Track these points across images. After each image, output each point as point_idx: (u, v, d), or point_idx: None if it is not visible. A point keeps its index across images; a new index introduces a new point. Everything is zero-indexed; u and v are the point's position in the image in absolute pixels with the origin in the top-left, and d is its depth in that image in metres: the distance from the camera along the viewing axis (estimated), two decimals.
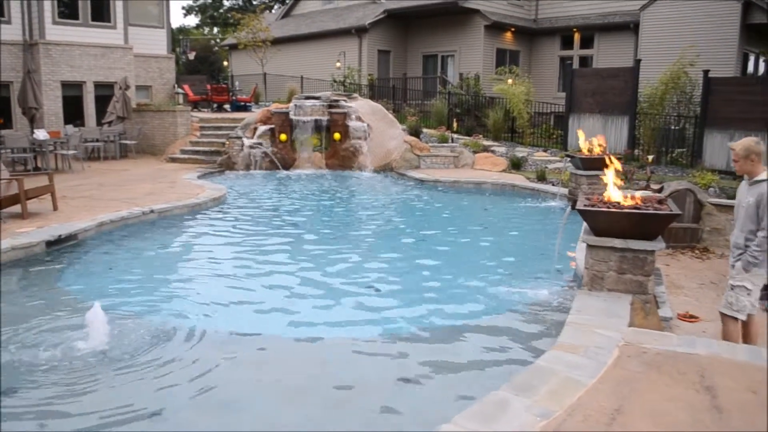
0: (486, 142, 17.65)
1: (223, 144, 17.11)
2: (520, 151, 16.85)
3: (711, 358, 4.14)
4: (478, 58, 25.11)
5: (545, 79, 25.82)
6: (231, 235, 9.43)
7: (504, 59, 25.26)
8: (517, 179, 13.96)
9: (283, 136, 16.83)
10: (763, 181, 5.00)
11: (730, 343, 4.52)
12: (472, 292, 6.77)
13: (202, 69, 40.73)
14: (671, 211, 5.23)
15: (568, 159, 11.68)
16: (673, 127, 16.68)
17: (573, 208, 5.53)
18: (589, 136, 12.01)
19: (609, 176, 5.69)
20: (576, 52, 25.36)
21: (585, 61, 24.99)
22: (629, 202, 5.43)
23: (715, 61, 18.26)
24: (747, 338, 5.26)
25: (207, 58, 44.93)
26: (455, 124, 18.29)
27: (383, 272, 7.50)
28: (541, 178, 13.69)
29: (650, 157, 13.45)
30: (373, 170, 16.03)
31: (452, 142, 17.14)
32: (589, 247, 5.46)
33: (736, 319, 5.13)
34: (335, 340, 5.50)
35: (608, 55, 23.59)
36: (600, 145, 11.43)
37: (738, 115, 14.53)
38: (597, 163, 11.04)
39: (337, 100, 17.75)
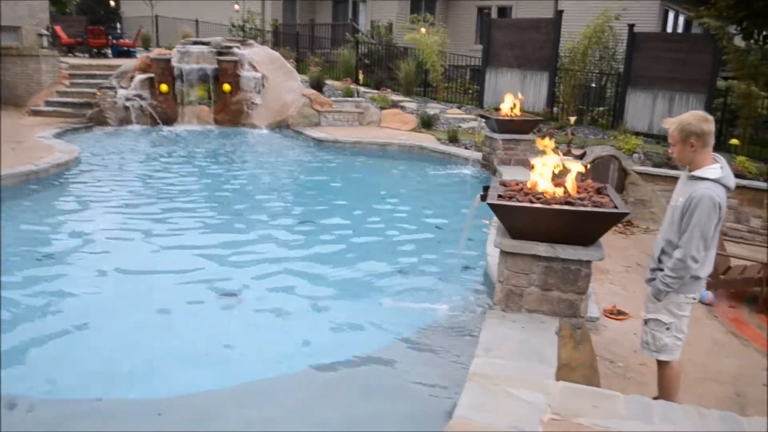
0: (396, 97, 16.00)
1: (95, 95, 14.75)
2: (432, 108, 15.32)
3: None
4: (392, 5, 23.33)
5: (462, 30, 24.31)
6: (70, 217, 7.41)
7: (419, 7, 23.46)
8: (426, 140, 12.43)
9: (164, 87, 14.60)
10: (705, 179, 3.56)
11: (695, 409, 3.16)
12: (340, 315, 4.91)
13: (98, 11, 36.65)
14: (616, 207, 3.78)
15: (483, 120, 10.23)
16: (593, 85, 15.57)
17: (483, 199, 4.02)
18: (506, 93, 10.56)
19: (539, 168, 4.13)
20: (494, 2, 23.90)
21: (504, 11, 23.59)
22: (558, 192, 3.96)
23: (637, 17, 17.18)
24: (661, 385, 4.01)
25: None
26: (361, 76, 16.50)
27: (227, 280, 5.61)
28: (453, 139, 12.23)
29: (572, 119, 12.21)
30: (268, 127, 14.12)
31: (358, 96, 15.40)
32: (504, 254, 3.97)
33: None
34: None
35: (528, 6, 22.24)
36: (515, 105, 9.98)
37: (663, 74, 13.50)
38: (515, 126, 9.66)
39: (229, 47, 15.61)
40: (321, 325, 4.71)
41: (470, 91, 17.84)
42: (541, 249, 3.84)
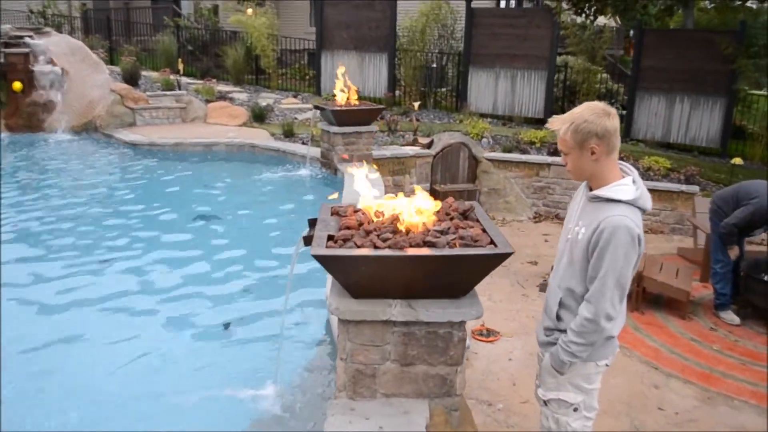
0: (224, 87, 14.33)
1: None
2: (266, 98, 13.84)
3: None
4: None
5: (295, 11, 22.95)
6: None
7: None
8: (258, 136, 10.96)
9: None
10: (616, 201, 2.47)
11: None
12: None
13: None
14: (493, 242, 2.69)
15: (318, 111, 8.97)
16: (434, 66, 14.87)
17: (307, 243, 2.80)
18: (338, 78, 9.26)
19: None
20: None
21: None
22: (415, 222, 2.79)
23: None
24: None
25: None
26: (181, 66, 14.60)
27: None
28: (289, 133, 10.88)
29: (416, 104, 11.30)
30: (72, 131, 11.94)
31: (180, 88, 13.57)
32: (345, 323, 2.76)
33: None
34: None
35: None
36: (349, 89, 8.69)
37: (503, 51, 13.03)
38: (354, 117, 8.50)
39: (19, 36, 13.13)
40: None
41: (308, 77, 16.54)
42: (396, 311, 2.68)
